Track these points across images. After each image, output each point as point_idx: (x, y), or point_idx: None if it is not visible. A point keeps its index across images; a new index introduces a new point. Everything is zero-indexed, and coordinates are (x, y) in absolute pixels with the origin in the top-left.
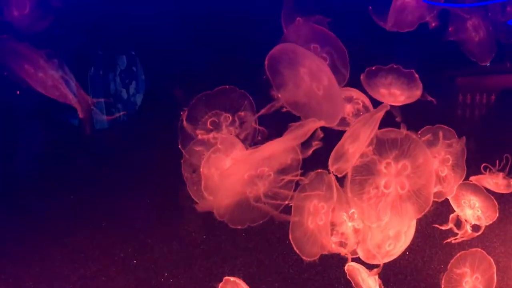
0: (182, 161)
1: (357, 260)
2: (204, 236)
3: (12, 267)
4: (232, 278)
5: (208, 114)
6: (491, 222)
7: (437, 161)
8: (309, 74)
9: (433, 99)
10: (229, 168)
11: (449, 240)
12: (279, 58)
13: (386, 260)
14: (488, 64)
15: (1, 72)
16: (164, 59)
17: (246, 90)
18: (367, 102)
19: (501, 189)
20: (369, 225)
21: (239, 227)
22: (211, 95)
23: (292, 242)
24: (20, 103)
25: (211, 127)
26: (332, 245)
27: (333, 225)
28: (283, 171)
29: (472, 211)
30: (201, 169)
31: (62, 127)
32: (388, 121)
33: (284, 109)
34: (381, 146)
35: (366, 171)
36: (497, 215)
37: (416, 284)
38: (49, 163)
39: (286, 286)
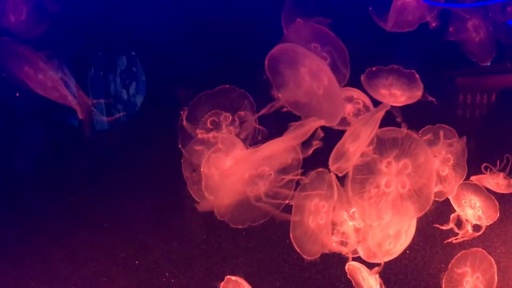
0: (182, 160)
1: (358, 259)
2: (205, 236)
3: (13, 268)
4: (233, 277)
5: (208, 114)
6: (491, 222)
7: (438, 160)
8: (309, 74)
9: (433, 99)
10: (230, 168)
11: (450, 240)
12: (279, 58)
13: (387, 259)
14: (489, 64)
15: (1, 74)
16: (164, 59)
17: (246, 90)
18: (368, 102)
19: (502, 189)
20: (369, 224)
21: (240, 226)
22: (211, 95)
23: (292, 241)
24: (20, 104)
25: (211, 127)
26: (333, 244)
27: (333, 224)
28: (283, 170)
29: (473, 211)
30: (201, 169)
31: (62, 128)
32: (388, 120)
33: (285, 109)
34: (381, 145)
35: (367, 170)
36: (498, 215)
37: (417, 283)
38: (50, 164)
39: (287, 285)
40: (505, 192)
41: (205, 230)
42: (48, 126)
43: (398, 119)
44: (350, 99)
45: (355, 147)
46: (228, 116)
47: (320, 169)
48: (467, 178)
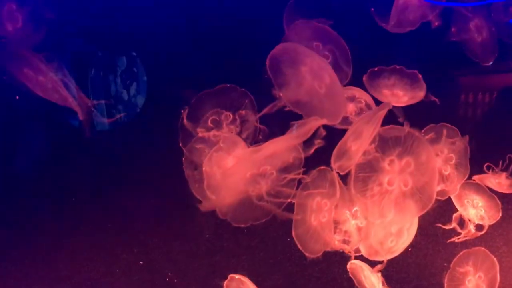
0: (183, 159)
1: (360, 257)
2: (207, 235)
3: (15, 269)
4: (237, 276)
5: (209, 113)
6: (494, 221)
7: (440, 159)
8: (310, 73)
9: (436, 99)
10: (232, 167)
11: (452, 239)
12: (280, 57)
13: (389, 257)
14: (491, 63)
15: (1, 76)
16: (165, 59)
17: (248, 90)
18: (370, 101)
19: (504, 189)
20: (372, 222)
21: (242, 225)
22: (212, 94)
23: (295, 239)
24: (20, 106)
25: (211, 126)
26: (335, 242)
27: (336, 223)
28: (285, 169)
29: (475, 211)
30: (203, 168)
31: (62, 129)
32: (391, 119)
33: (286, 108)
34: (384, 144)
35: (369, 168)
36: (500, 214)
37: (419, 282)
38: (51, 165)
39: (290, 283)
40: (507, 192)
41: (207, 229)
42: (49, 127)
43: (400, 119)
44: (352, 99)
45: (357, 145)
46: (229, 115)
47: (322, 167)
48: (469, 177)
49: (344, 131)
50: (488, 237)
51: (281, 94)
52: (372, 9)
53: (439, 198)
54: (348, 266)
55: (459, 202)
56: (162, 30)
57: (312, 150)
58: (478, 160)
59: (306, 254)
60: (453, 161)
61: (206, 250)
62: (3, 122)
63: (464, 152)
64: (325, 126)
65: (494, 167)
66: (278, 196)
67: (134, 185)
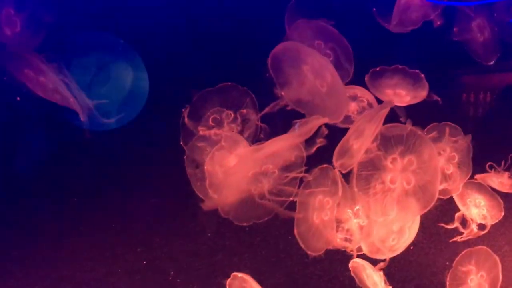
0: (184, 157)
1: (362, 256)
2: (209, 234)
3: (18, 270)
4: (239, 274)
5: (210, 111)
6: (496, 221)
7: (443, 158)
8: (312, 72)
9: (439, 99)
10: (234, 166)
11: (454, 239)
12: (282, 56)
13: (390, 255)
14: (493, 63)
15: (1, 77)
16: (167, 59)
17: (250, 89)
18: (372, 100)
19: (506, 188)
20: (374, 220)
21: (245, 224)
22: (213, 92)
23: (297, 237)
24: (21, 106)
25: (213, 124)
26: (337, 239)
27: (338, 221)
28: (287, 168)
29: (478, 210)
30: (205, 167)
31: (63, 129)
32: (393, 119)
33: (288, 107)
34: (386, 142)
35: (372, 166)
36: (503, 214)
37: (421, 281)
38: (53, 165)
39: (292, 281)
40: (509, 191)
41: (210, 228)
42: (50, 128)
43: (402, 119)
44: (354, 98)
45: (359, 143)
46: (230, 114)
47: (324, 166)
48: (472, 176)
49: (346, 130)
50: (491, 237)
51: (283, 93)
52: (374, 9)
53: (441, 197)
54: (350, 265)
55: (461, 202)
56: (163, 29)
57: (314, 149)
58: (480, 160)
59: (308, 252)
60: (456, 160)
61: (208, 249)
62: (3, 122)
63: (466, 151)
64: (327, 125)
65: (496, 167)
66: (280, 195)
67: (135, 184)
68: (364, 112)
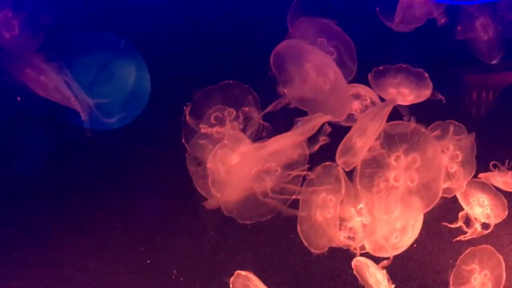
0: (186, 155)
1: (365, 254)
2: (212, 233)
3: (21, 270)
4: (243, 272)
5: (212, 109)
6: (500, 220)
7: (447, 157)
8: (314, 69)
9: (442, 98)
10: (236, 164)
11: (458, 238)
12: (284, 54)
13: (394, 253)
14: (497, 61)
15: (2, 76)
16: (168, 57)
17: (252, 88)
18: (375, 98)
19: (510, 188)
20: (377, 217)
21: (247, 222)
22: (215, 90)
23: (300, 235)
24: (22, 106)
25: (214, 122)
26: (340, 237)
27: (341, 220)
28: (290, 166)
29: (481, 209)
30: (208, 165)
31: (64, 129)
32: (396, 117)
33: (291, 105)
34: (390, 140)
35: (375, 164)
36: (506, 213)
37: (424, 280)
38: (55, 165)
39: (295, 279)
40: None
41: (212, 226)
42: (50, 127)
43: (405, 118)
44: (357, 96)
45: (362, 141)
46: (232, 112)
47: (327, 163)
48: (475, 175)
49: (349, 128)
50: (494, 236)
51: (285, 91)
52: (377, 9)
53: (445, 195)
54: (352, 263)
55: (465, 201)
56: (165, 27)
57: (317, 147)
58: (484, 158)
59: (311, 250)
60: (459, 158)
61: (211, 248)
62: (4, 122)
63: (470, 149)
64: (330, 123)
65: (500, 166)
66: (283, 193)
67: (137, 183)
68: (367, 110)
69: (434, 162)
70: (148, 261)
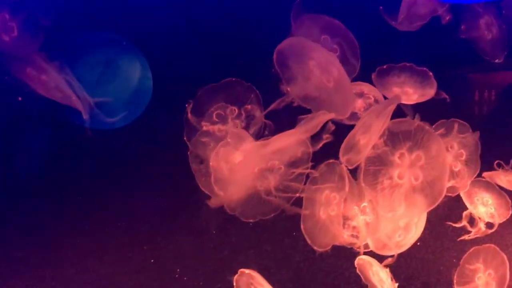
0: (188, 153)
1: (369, 252)
2: (215, 231)
3: (21, 270)
4: (247, 271)
5: (214, 107)
6: (504, 219)
7: (451, 156)
8: (318, 67)
9: (447, 97)
10: (240, 162)
11: (462, 237)
12: (288, 51)
13: (397, 251)
14: (502, 61)
15: (3, 76)
16: (170, 56)
17: (256, 86)
18: (379, 97)
19: None
20: (380, 215)
21: (251, 220)
22: (217, 88)
23: (303, 233)
24: (23, 105)
25: (216, 120)
26: (344, 235)
27: (344, 218)
28: (293, 164)
29: (485, 209)
30: (210, 163)
31: (66, 128)
32: (400, 115)
33: (295, 103)
34: (394, 137)
35: (379, 162)
36: (510, 212)
37: (428, 279)
38: (56, 164)
39: (298, 277)
40: None
41: (215, 225)
42: (52, 127)
43: (409, 117)
44: (360, 94)
45: (366, 139)
46: (234, 110)
47: (330, 161)
48: (479, 174)
49: (352, 127)
50: (498, 235)
51: (289, 89)
52: (381, 8)
53: (449, 194)
54: (356, 262)
55: (469, 200)
56: (166, 26)
57: (320, 145)
58: (488, 157)
59: (315, 247)
60: (464, 157)
61: (214, 246)
62: (5, 122)
63: (474, 148)
64: (333, 121)
65: (504, 165)
66: (286, 191)
67: (139, 182)
68: (370, 108)
69: (438, 159)
70: (151, 261)
